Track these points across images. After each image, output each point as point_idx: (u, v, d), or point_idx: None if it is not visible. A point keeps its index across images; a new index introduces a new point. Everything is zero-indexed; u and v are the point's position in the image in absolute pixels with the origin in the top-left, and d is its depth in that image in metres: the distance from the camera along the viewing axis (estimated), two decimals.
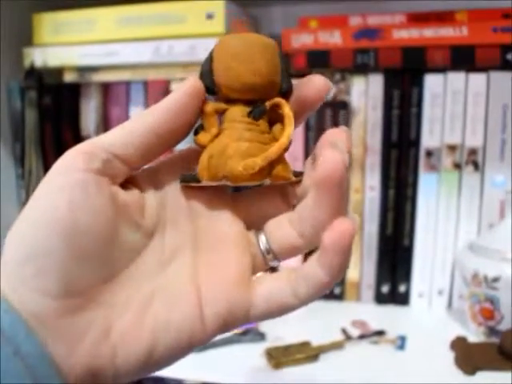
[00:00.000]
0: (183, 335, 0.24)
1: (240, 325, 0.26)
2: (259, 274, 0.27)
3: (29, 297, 0.21)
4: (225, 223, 0.26)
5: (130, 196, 0.25)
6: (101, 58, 0.75)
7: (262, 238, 0.27)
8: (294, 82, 0.26)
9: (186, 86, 0.24)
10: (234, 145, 0.25)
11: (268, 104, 0.25)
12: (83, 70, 0.77)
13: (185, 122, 0.25)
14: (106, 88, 0.79)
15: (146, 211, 0.25)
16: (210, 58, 0.25)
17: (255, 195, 0.28)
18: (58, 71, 0.79)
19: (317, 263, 0.24)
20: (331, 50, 0.71)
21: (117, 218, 0.23)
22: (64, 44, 0.76)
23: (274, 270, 0.27)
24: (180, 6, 0.71)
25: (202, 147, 0.25)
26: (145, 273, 0.25)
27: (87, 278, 0.23)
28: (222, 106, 0.26)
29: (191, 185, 0.26)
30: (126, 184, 0.25)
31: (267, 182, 0.25)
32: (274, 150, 0.25)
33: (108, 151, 0.24)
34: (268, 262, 0.27)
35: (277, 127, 0.26)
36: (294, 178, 0.26)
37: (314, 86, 0.26)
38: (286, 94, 0.26)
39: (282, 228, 0.26)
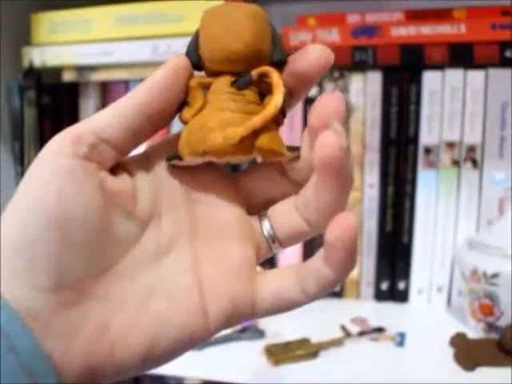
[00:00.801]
0: (185, 331, 0.24)
1: (245, 320, 0.25)
2: (261, 269, 0.26)
3: (21, 292, 0.21)
4: (225, 209, 0.25)
5: (121, 182, 0.23)
6: (99, 57, 0.75)
7: (266, 225, 0.25)
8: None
9: (170, 65, 0.23)
10: (216, 116, 0.23)
11: (254, 73, 0.23)
12: (81, 69, 0.77)
13: (171, 101, 0.23)
14: (105, 87, 0.80)
15: (139, 199, 0.24)
16: (196, 33, 0.24)
17: (253, 175, 0.26)
18: (57, 70, 0.79)
19: (323, 260, 0.23)
20: (329, 48, 0.71)
21: (107, 205, 0.22)
22: (62, 43, 0.76)
23: (272, 264, 0.27)
24: (178, 5, 0.71)
25: (186, 123, 0.24)
26: (141, 264, 0.24)
27: (79, 269, 0.22)
28: (207, 79, 0.24)
29: (175, 163, 0.24)
30: (117, 170, 0.24)
31: (258, 158, 0.24)
32: (257, 118, 0.23)
33: (95, 135, 0.22)
34: (272, 249, 0.26)
35: (267, 98, 0.24)
36: (288, 154, 0.24)
37: (310, 56, 0.23)
38: (279, 65, 0.24)
39: (287, 214, 0.25)
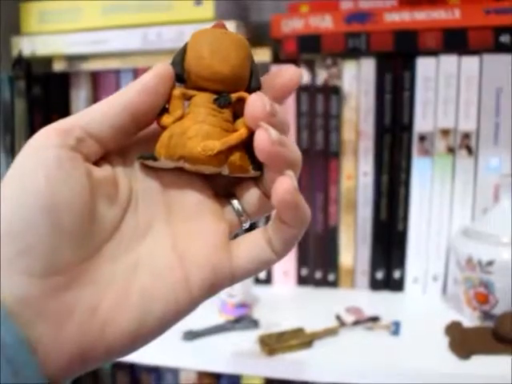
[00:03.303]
0: (171, 305, 0.25)
1: (225, 287, 0.27)
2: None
3: (13, 279, 0.21)
4: (196, 192, 0.27)
5: (104, 172, 0.25)
6: (89, 46, 0.74)
7: (235, 202, 0.28)
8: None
9: (157, 69, 0.25)
10: (196, 126, 0.25)
11: (234, 96, 0.26)
12: (72, 58, 0.76)
13: (155, 104, 0.25)
14: (96, 77, 0.79)
15: (119, 186, 0.26)
16: (184, 48, 0.26)
17: None
18: (47, 60, 0.78)
19: (279, 221, 0.26)
20: (322, 35, 0.70)
21: (93, 193, 0.24)
22: (52, 33, 0.75)
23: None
24: None
25: (164, 128, 0.26)
26: (122, 247, 0.25)
27: (70, 254, 0.23)
28: (190, 92, 0.26)
29: (148, 163, 0.26)
30: (99, 160, 0.25)
31: (225, 171, 0.26)
32: (234, 136, 0.25)
33: (82, 130, 0.24)
34: (242, 222, 0.28)
35: (240, 120, 0.26)
36: (252, 172, 0.27)
37: (287, 73, 0.27)
38: (254, 91, 0.26)
39: (252, 191, 0.28)
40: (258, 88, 0.27)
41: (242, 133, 0.25)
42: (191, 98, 0.26)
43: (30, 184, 0.22)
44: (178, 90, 0.26)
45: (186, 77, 0.26)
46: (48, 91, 0.78)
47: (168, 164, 0.26)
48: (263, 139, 0.24)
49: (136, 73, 0.76)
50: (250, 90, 0.26)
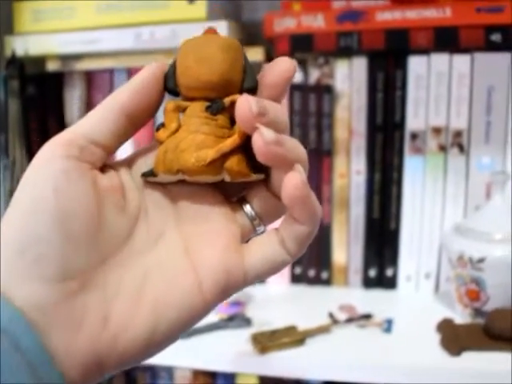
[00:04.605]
0: (184, 311, 0.25)
1: (239, 290, 0.27)
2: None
3: (30, 286, 0.22)
4: (206, 197, 0.27)
5: (110, 179, 0.26)
6: (82, 46, 0.74)
7: (247, 206, 0.28)
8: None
9: (148, 69, 0.26)
10: (190, 137, 0.25)
11: (227, 100, 0.26)
12: (66, 58, 0.76)
13: (150, 103, 0.26)
14: (90, 76, 0.79)
15: (127, 195, 0.26)
16: (174, 61, 0.26)
17: None
18: (41, 60, 0.78)
19: (291, 219, 0.25)
20: (314, 34, 0.70)
21: (99, 202, 0.24)
22: (45, 32, 0.75)
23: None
24: None
25: (161, 143, 0.26)
26: (134, 255, 0.25)
27: (81, 261, 0.23)
28: (184, 103, 0.26)
29: (150, 180, 0.27)
30: (105, 169, 0.26)
31: (227, 178, 0.26)
32: (227, 142, 0.25)
33: (84, 138, 0.25)
34: (255, 227, 0.28)
35: (238, 124, 0.26)
36: (254, 176, 0.26)
37: (278, 68, 0.26)
38: (250, 92, 0.26)
39: (263, 195, 0.27)
40: (254, 87, 0.26)
41: (235, 138, 0.25)
42: (186, 109, 0.26)
43: (38, 199, 0.23)
44: (171, 104, 0.26)
45: (179, 89, 0.26)
46: (42, 91, 0.78)
47: (169, 178, 0.26)
48: (257, 141, 0.24)
49: (130, 72, 0.76)
50: (244, 92, 0.25)
